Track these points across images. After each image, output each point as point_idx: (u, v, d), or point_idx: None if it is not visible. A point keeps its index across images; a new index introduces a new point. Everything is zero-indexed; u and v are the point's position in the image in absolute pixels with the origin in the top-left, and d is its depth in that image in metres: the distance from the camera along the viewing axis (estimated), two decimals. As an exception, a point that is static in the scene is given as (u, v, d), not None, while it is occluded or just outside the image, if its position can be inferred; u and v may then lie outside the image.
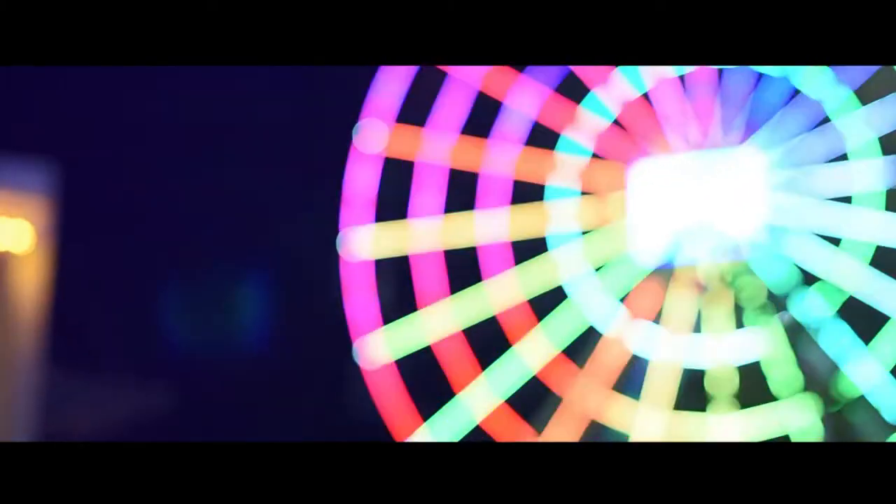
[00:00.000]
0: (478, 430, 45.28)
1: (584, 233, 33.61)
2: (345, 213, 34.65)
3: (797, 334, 31.29)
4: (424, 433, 36.56)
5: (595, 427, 35.41)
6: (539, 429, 38.63)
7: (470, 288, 34.70)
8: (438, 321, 34.93)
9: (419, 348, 36.20)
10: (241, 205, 40.86)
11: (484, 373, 38.72)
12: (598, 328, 34.30)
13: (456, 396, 42.08)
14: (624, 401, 33.69)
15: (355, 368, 37.38)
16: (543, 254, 34.20)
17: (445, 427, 40.62)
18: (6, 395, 19.74)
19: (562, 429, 35.41)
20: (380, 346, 35.65)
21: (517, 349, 36.23)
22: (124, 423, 35.97)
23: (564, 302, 34.41)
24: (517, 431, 38.22)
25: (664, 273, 33.02)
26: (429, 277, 34.95)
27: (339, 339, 38.31)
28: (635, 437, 33.57)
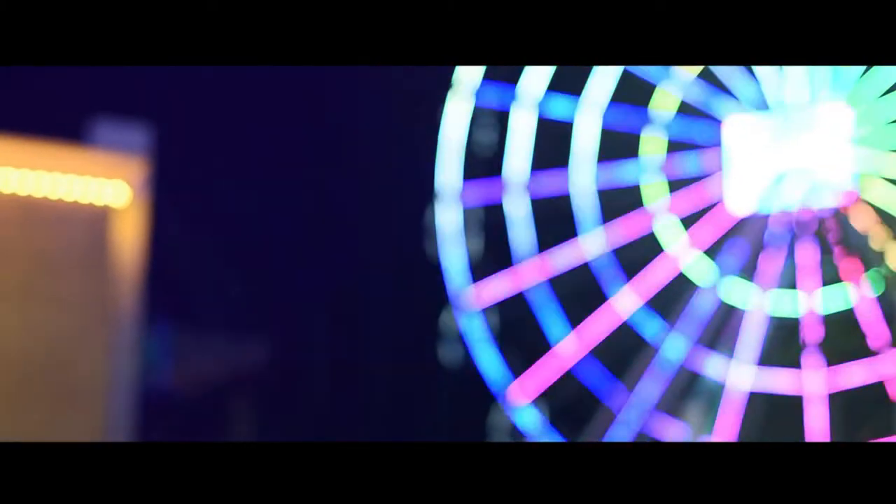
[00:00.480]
0: (569, 378, 45.58)
1: (677, 185, 33.69)
2: (442, 164, 34.94)
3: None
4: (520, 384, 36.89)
5: (688, 378, 35.49)
6: (630, 385, 38.80)
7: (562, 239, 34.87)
8: (530, 271, 35.17)
9: (511, 296, 36.53)
10: (330, 158, 41.19)
11: (574, 323, 38.94)
12: (692, 280, 34.41)
13: (549, 347, 42.41)
14: (717, 352, 33.76)
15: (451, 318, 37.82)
16: (636, 205, 34.28)
17: (540, 377, 41.01)
18: (106, 348, 20.29)
19: (653, 383, 35.55)
20: (479, 296, 36.10)
21: (610, 300, 36.38)
22: (219, 376, 36.66)
23: (656, 254, 34.48)
24: (610, 389, 38.41)
25: (757, 222, 33.08)
26: (522, 229, 35.19)
27: (436, 290, 38.67)
28: (728, 388, 33.69)
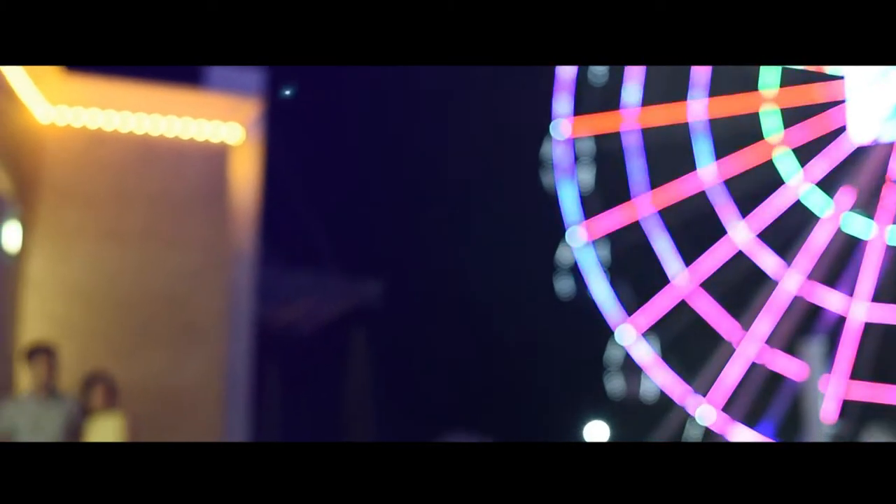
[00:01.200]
0: (683, 310, 45.26)
1: (796, 115, 33.21)
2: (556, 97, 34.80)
3: None
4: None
5: (805, 312, 35.09)
6: (746, 320, 38.41)
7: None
8: (644, 203, 34.94)
9: (625, 228, 36.36)
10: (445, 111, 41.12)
11: (689, 255, 38.58)
12: (811, 211, 33.95)
13: (663, 279, 42.09)
14: (834, 286, 33.33)
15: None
16: (754, 136, 33.88)
17: (654, 310, 40.76)
18: (225, 287, 20.49)
19: (769, 317, 35.15)
20: (593, 228, 36.00)
21: (726, 233, 35.99)
22: (334, 316, 36.95)
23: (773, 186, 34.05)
24: (725, 323, 38.06)
25: (879, 151, 32.55)
26: (636, 160, 34.93)
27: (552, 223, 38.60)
28: (846, 322, 33.27)
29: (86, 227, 19.69)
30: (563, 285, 55.03)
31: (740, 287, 48.42)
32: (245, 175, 22.06)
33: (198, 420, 19.67)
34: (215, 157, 21.02)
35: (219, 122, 21.05)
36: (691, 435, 53.36)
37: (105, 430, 10.05)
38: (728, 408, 52.18)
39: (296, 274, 37.15)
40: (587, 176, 37.64)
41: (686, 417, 52.36)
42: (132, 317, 19.60)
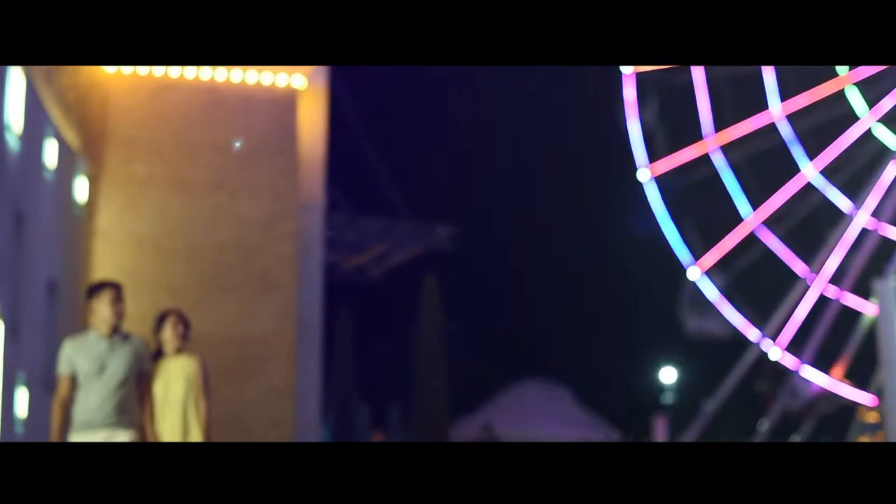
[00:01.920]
0: (753, 246, 44.86)
1: None
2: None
3: None
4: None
5: (876, 251, 34.75)
6: (816, 257, 38.02)
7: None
8: (714, 140, 34.74)
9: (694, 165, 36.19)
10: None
11: (759, 192, 38.28)
12: (885, 146, 33.62)
13: (733, 216, 41.78)
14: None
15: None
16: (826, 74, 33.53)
17: (724, 246, 40.52)
18: (294, 233, 20.55)
19: (840, 254, 34.83)
20: (662, 166, 35.85)
21: (799, 170, 35.63)
22: (404, 262, 36.95)
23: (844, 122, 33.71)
24: (795, 259, 37.74)
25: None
26: (704, 98, 34.69)
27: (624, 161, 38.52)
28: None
29: (153, 177, 19.81)
30: (635, 225, 54.80)
31: (810, 224, 47.91)
32: (312, 122, 22.07)
33: (270, 370, 19.80)
34: (282, 104, 21.02)
35: (284, 70, 21.04)
36: (763, 370, 53.03)
37: (177, 370, 10.00)
38: (797, 346, 51.80)
39: (365, 220, 37.18)
40: (654, 114, 37.41)
41: (758, 354, 52.06)
42: (202, 266, 19.72)
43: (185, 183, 19.96)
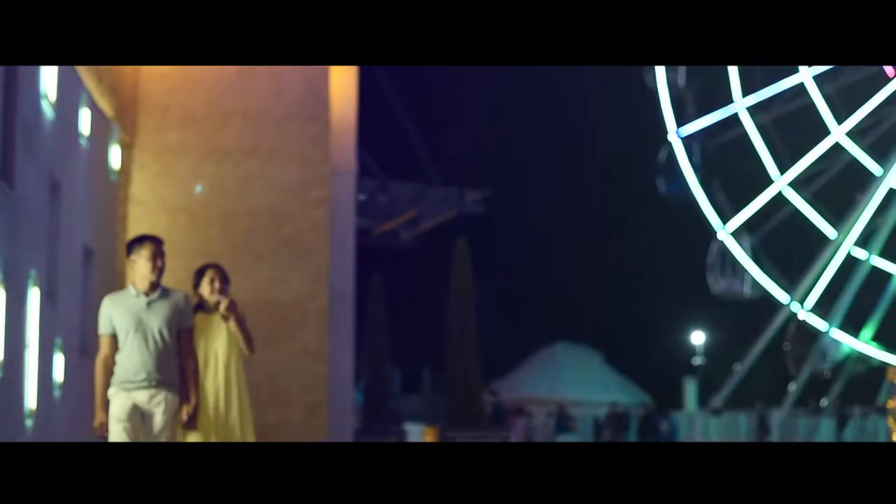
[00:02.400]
0: (782, 205, 44.74)
1: None
2: None
3: None
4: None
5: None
6: (844, 217, 37.94)
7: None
8: (744, 99, 34.65)
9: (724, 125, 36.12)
10: None
11: (787, 150, 38.22)
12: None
13: (761, 175, 41.73)
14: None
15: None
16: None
17: (754, 205, 40.58)
18: (326, 200, 20.68)
19: (870, 212, 34.72)
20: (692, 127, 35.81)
21: (829, 131, 35.51)
22: (436, 226, 37.04)
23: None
24: (823, 218, 37.64)
25: None
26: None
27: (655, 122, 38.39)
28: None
29: (186, 145, 19.97)
30: (665, 187, 54.64)
31: (838, 185, 47.70)
32: (344, 88, 22.15)
33: (303, 334, 19.98)
34: (314, 71, 21.10)
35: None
36: (789, 332, 52.90)
37: (218, 326, 9.50)
38: (826, 307, 51.62)
39: (397, 185, 37.25)
40: (683, 77, 37.31)
41: (787, 316, 51.91)
42: (235, 232, 19.89)
43: (218, 150, 20.11)
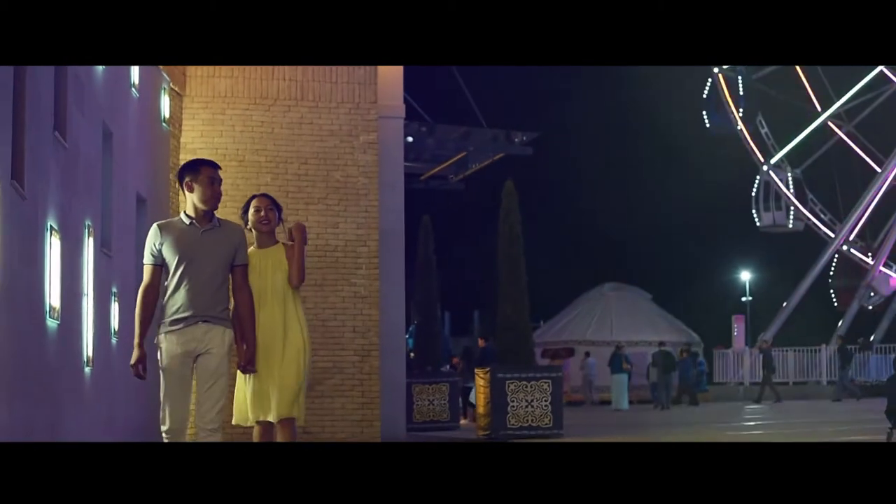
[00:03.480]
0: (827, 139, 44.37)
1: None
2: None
3: None
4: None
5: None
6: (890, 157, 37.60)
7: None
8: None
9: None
10: None
11: (834, 89, 37.89)
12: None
13: (809, 115, 41.43)
14: None
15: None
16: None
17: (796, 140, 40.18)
18: (375, 145, 20.73)
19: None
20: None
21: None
22: (484, 169, 37.06)
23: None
24: (873, 158, 37.35)
25: None
26: None
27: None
28: None
29: (236, 92, 20.06)
30: (711, 121, 54.30)
31: (885, 117, 47.24)
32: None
33: (354, 278, 20.12)
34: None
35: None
36: (836, 267, 52.51)
37: (272, 259, 8.84)
38: (874, 242, 51.31)
39: (444, 128, 37.25)
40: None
41: (835, 251, 51.67)
42: (285, 178, 20.01)
43: (267, 97, 20.22)
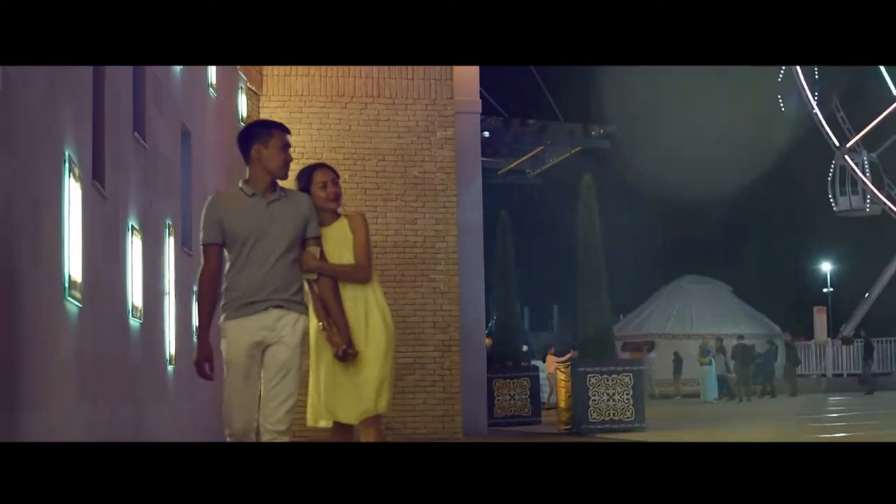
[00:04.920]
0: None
1: None
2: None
3: None
4: None
5: None
6: None
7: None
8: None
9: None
10: None
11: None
12: None
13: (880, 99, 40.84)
14: None
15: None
16: None
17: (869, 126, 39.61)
18: (453, 141, 20.70)
19: None
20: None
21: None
22: (561, 163, 36.96)
23: None
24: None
25: None
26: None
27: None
28: None
29: (312, 90, 20.10)
30: (789, 106, 53.77)
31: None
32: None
33: (434, 274, 20.10)
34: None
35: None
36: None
37: (341, 235, 7.60)
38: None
39: (521, 123, 37.20)
40: None
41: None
42: (363, 175, 20.03)
43: (344, 94, 20.25)
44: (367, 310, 7.53)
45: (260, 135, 7.22)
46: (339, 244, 7.57)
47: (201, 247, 7.27)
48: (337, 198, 7.66)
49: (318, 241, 7.26)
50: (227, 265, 7.16)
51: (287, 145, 7.28)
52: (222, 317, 7.08)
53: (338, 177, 7.81)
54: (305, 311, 7.16)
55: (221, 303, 7.12)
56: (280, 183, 7.35)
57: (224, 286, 7.11)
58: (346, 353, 7.33)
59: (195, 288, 7.35)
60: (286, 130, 7.38)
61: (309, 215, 7.20)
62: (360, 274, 7.52)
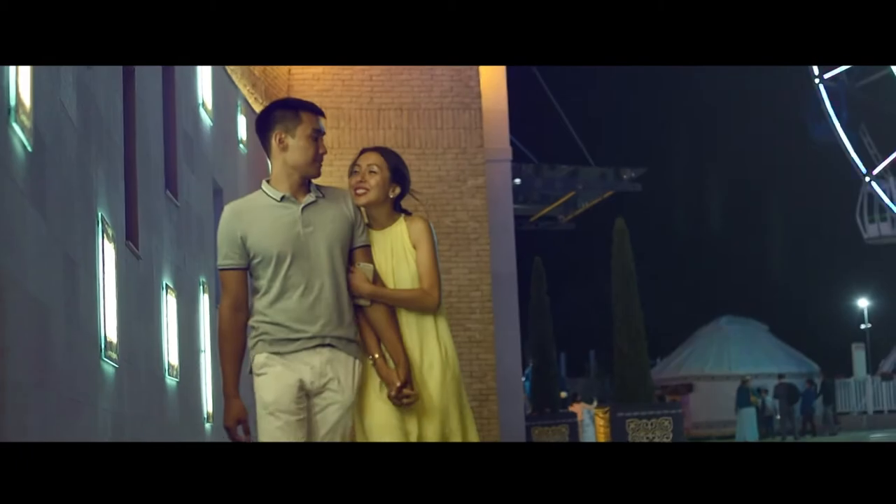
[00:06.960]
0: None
1: None
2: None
3: None
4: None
5: None
6: None
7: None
8: None
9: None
10: None
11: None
12: None
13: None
14: None
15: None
16: None
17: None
18: (484, 189, 20.70)
19: None
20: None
21: None
22: (593, 207, 36.92)
23: None
24: None
25: None
26: None
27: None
28: None
29: (342, 142, 20.13)
30: (813, 132, 53.51)
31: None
32: (494, 73, 22.13)
33: (469, 323, 20.04)
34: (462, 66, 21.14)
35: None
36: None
37: (400, 240, 5.61)
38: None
39: (552, 168, 37.20)
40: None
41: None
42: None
43: (372, 144, 20.28)
44: (421, 334, 5.66)
45: (282, 118, 5.35)
46: (390, 257, 5.64)
47: (220, 271, 5.46)
48: (365, 192, 5.59)
49: (367, 251, 5.50)
50: (257, 294, 5.39)
51: (319, 133, 5.40)
52: (253, 355, 5.39)
53: (396, 168, 5.78)
54: (361, 353, 5.49)
55: (250, 342, 5.39)
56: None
57: (252, 320, 5.38)
58: (401, 394, 5.47)
59: (222, 329, 5.39)
60: (318, 112, 5.47)
61: (355, 218, 5.47)
62: (428, 302, 5.67)
